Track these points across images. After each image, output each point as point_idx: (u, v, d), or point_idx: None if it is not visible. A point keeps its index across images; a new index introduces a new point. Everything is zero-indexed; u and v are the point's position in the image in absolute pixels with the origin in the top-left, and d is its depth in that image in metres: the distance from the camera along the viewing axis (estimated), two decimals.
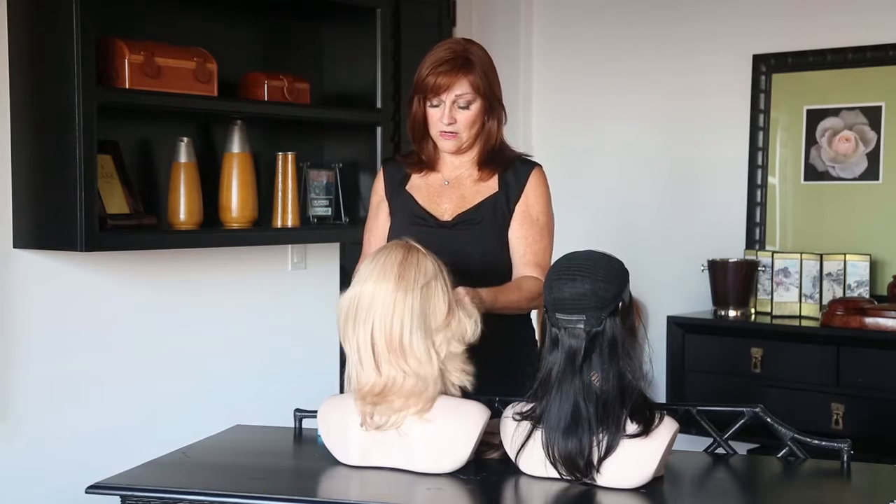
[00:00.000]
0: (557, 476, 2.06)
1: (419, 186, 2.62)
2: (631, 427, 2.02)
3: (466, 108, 2.52)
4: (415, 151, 2.63)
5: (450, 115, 2.52)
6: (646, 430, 2.02)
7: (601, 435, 2.01)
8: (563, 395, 2.03)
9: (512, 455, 2.12)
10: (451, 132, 2.54)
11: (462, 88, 2.51)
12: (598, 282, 2.04)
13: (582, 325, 2.03)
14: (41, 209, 2.89)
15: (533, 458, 2.09)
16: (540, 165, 2.63)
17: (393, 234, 2.58)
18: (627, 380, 2.03)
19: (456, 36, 4.68)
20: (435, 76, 2.51)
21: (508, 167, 2.60)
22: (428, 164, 2.62)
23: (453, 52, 2.53)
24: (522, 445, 2.09)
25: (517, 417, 2.11)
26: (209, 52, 3.13)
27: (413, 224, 2.57)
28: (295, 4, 3.49)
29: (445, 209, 2.59)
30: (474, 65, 2.53)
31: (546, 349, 2.08)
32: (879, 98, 3.97)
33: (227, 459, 2.31)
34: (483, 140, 2.58)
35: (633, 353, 2.05)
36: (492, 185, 2.59)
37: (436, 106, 2.53)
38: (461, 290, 2.23)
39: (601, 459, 2.01)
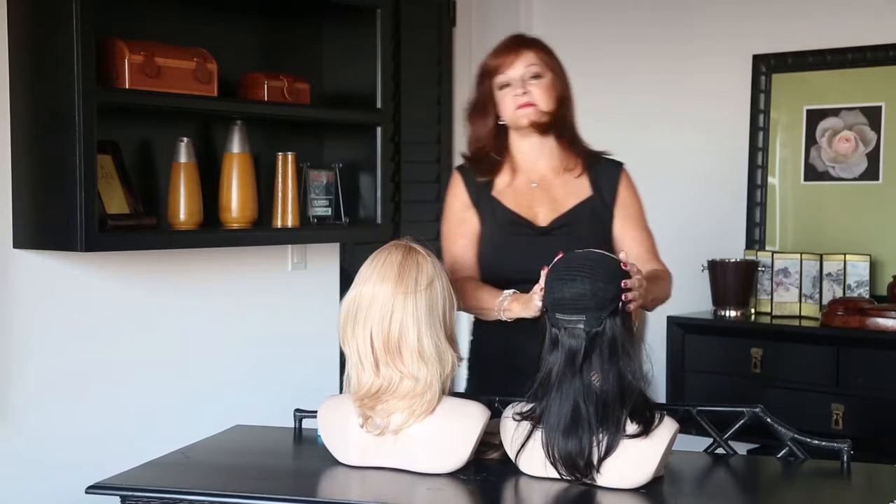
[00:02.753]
0: (557, 476, 2.06)
1: (505, 191, 2.57)
2: (631, 427, 2.02)
3: (538, 77, 2.50)
4: (479, 157, 2.59)
5: (523, 86, 2.49)
6: (646, 431, 2.02)
7: (601, 435, 2.01)
8: (562, 395, 2.03)
9: (512, 455, 2.12)
10: (528, 102, 2.50)
11: (528, 60, 2.50)
12: (597, 282, 2.04)
13: (582, 326, 2.03)
14: (41, 209, 2.89)
15: (533, 458, 2.09)
16: (624, 164, 2.63)
17: (486, 241, 2.56)
18: (627, 380, 2.03)
19: (456, 36, 4.68)
20: (496, 56, 2.52)
21: (595, 166, 2.58)
22: (500, 161, 2.57)
23: (511, 36, 2.57)
24: (522, 445, 2.09)
25: (517, 418, 2.11)
26: (209, 52, 3.13)
27: (508, 231, 2.53)
28: (295, 4, 3.49)
29: (538, 213, 2.54)
30: (535, 41, 2.55)
31: (546, 349, 2.08)
32: (879, 98, 3.97)
33: (227, 459, 2.31)
34: (560, 117, 2.54)
35: (633, 353, 2.05)
36: (583, 188, 2.56)
37: (506, 86, 2.51)
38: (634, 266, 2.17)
39: (601, 460, 2.01)
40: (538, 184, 2.57)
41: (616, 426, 2.01)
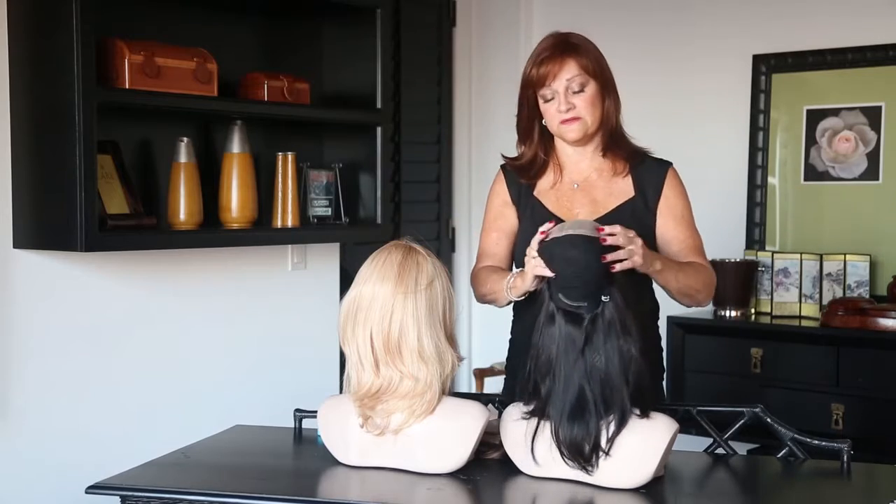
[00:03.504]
0: (558, 476, 2.06)
1: (548, 193, 2.54)
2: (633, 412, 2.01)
3: (581, 90, 2.44)
4: (524, 161, 2.55)
5: (566, 101, 2.43)
6: (644, 412, 2.01)
7: (610, 416, 2.00)
8: (566, 380, 2.02)
9: (524, 454, 2.10)
10: (573, 117, 2.44)
11: (571, 72, 2.43)
12: (591, 262, 2.03)
13: (584, 311, 2.03)
14: (41, 209, 2.89)
15: (533, 457, 2.08)
16: (672, 164, 2.57)
17: (523, 241, 2.52)
18: (629, 357, 2.01)
19: (456, 36, 4.68)
20: (538, 67, 2.45)
21: (640, 166, 2.52)
22: (545, 164, 2.54)
23: (553, 40, 2.48)
24: (533, 441, 2.07)
25: (526, 416, 2.09)
26: (209, 52, 3.13)
27: None
28: (295, 4, 3.49)
29: (577, 214, 2.50)
30: (578, 47, 2.46)
31: (542, 324, 2.06)
32: (879, 98, 3.97)
33: (227, 459, 2.31)
34: (602, 122, 2.49)
35: (633, 328, 2.04)
36: (626, 189, 2.51)
37: (550, 99, 2.46)
38: (618, 227, 2.13)
39: (611, 439, 2.00)
40: (580, 185, 2.54)
41: (621, 404, 2.00)
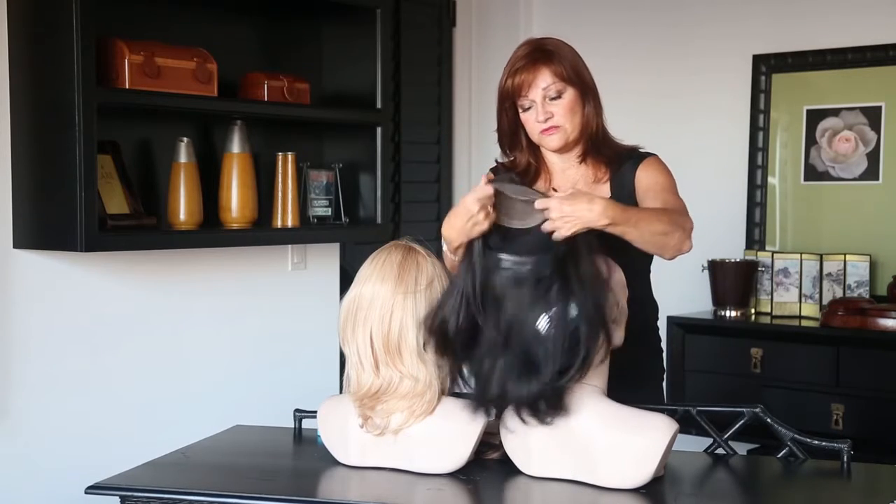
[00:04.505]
0: (558, 476, 2.06)
1: None
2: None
3: (558, 97, 2.39)
4: (519, 169, 2.50)
5: (544, 111, 2.39)
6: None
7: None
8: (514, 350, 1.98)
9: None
10: (552, 126, 2.41)
11: (545, 80, 2.38)
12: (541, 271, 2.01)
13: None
14: (41, 209, 2.89)
15: (532, 457, 2.09)
16: (654, 155, 2.50)
17: None
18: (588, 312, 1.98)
19: (456, 36, 4.68)
20: (513, 77, 2.40)
21: (619, 168, 2.47)
22: (537, 172, 2.51)
23: (527, 48, 2.43)
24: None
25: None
26: (209, 52, 3.13)
27: None
28: (295, 4, 3.50)
29: None
30: (552, 53, 2.41)
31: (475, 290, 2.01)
32: (879, 98, 3.97)
33: (227, 459, 2.31)
34: (583, 128, 2.44)
35: (590, 276, 1.99)
36: (605, 194, 2.46)
37: (528, 108, 2.42)
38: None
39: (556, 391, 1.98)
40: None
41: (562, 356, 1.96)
